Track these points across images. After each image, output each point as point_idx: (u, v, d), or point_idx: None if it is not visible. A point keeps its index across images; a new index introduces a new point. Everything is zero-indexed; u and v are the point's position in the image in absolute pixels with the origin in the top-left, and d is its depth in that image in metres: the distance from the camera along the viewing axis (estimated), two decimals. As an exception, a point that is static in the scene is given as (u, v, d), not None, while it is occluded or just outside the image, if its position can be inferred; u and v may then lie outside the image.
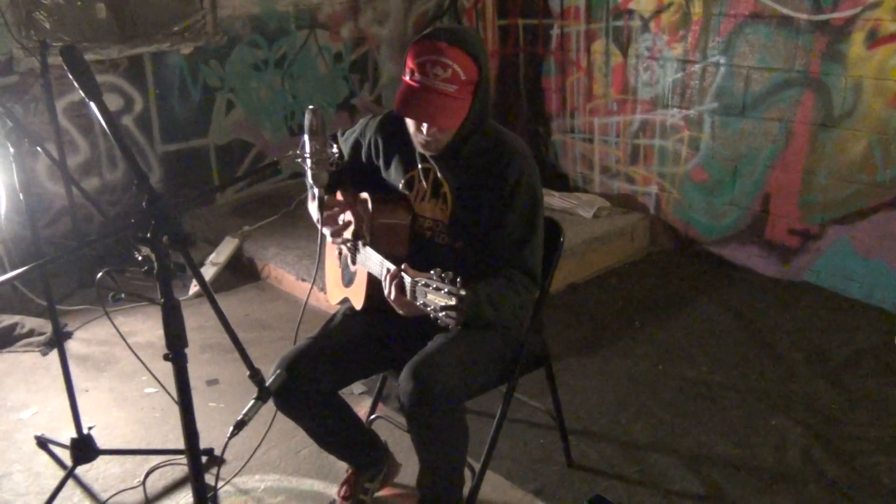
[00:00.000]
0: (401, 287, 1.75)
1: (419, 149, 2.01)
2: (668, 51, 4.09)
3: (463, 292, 1.56)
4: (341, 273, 2.29)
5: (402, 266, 1.77)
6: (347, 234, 2.15)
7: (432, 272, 1.64)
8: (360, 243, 2.09)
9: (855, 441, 2.67)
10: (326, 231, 2.11)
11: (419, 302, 1.67)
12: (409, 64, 1.86)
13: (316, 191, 1.98)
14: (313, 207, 2.18)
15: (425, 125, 1.90)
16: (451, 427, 1.96)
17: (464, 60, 1.83)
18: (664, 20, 4.07)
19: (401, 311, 1.81)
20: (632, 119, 4.38)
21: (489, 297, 1.84)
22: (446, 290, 1.59)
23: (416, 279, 1.68)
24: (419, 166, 2.07)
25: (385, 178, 2.16)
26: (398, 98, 1.87)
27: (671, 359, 3.24)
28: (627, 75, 4.32)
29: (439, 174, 2.03)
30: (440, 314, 1.60)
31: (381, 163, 2.16)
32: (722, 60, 3.88)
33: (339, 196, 2.15)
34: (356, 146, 2.22)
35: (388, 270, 1.81)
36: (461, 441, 2.02)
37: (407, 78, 1.87)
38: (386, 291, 1.80)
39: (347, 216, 2.12)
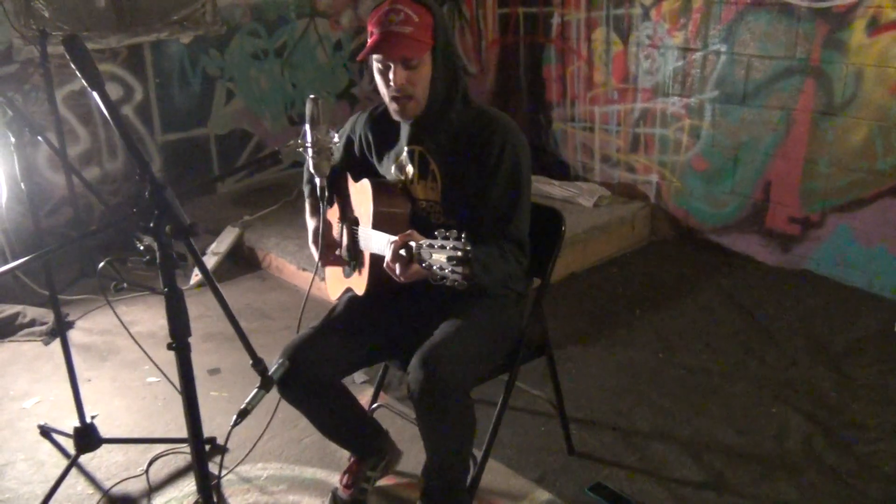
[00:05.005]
0: (407, 252, 1.74)
1: (395, 116, 2.04)
2: (668, 39, 4.08)
3: (468, 246, 1.58)
4: (342, 268, 2.29)
5: (409, 231, 1.77)
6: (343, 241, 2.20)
7: (436, 232, 1.65)
8: (357, 228, 2.10)
9: (855, 428, 2.68)
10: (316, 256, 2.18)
11: (425, 263, 1.67)
12: (370, 28, 1.95)
13: (318, 180, 1.99)
14: (312, 236, 2.24)
15: (393, 79, 1.93)
16: (461, 415, 1.97)
17: (415, 7, 1.92)
18: (665, 8, 4.05)
19: (403, 279, 1.80)
20: (632, 108, 4.37)
21: (482, 262, 1.85)
22: (451, 245, 1.60)
23: (421, 242, 1.69)
24: (405, 150, 2.09)
25: (378, 171, 2.19)
26: (363, 52, 1.93)
27: (672, 347, 3.24)
28: (628, 64, 4.31)
29: (426, 153, 2.05)
30: (447, 269, 1.60)
31: (373, 156, 2.20)
32: (723, 48, 3.87)
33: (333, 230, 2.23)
34: (348, 144, 2.25)
35: (392, 241, 1.80)
36: (469, 429, 2.03)
37: (369, 40, 1.94)
38: (389, 257, 1.78)
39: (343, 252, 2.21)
